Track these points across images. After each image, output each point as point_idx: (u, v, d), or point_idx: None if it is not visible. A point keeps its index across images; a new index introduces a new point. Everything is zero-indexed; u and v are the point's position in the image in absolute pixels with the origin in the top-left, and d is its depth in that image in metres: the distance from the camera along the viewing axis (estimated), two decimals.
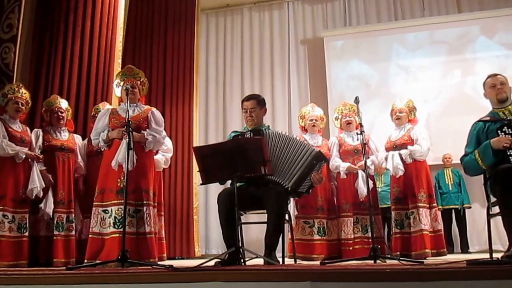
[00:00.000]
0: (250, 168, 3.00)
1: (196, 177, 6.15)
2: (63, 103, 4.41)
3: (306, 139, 4.65)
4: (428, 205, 4.37)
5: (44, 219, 4.03)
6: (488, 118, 3.02)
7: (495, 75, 3.14)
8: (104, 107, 4.39)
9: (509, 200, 2.59)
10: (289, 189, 3.27)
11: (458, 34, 7.08)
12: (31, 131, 4.18)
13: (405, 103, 4.64)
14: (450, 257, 4.32)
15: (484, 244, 5.88)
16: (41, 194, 3.96)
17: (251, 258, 3.35)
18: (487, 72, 7.29)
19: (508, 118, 2.90)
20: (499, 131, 2.78)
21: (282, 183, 3.25)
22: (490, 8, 7.08)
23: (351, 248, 4.37)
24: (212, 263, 2.77)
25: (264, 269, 2.20)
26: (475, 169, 2.94)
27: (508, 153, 2.70)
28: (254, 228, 5.53)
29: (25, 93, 4.18)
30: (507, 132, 2.74)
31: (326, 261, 3.23)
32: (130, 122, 3.23)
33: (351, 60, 7.41)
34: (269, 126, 3.64)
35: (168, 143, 4.69)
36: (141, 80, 3.81)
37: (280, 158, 3.27)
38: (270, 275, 1.97)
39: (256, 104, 3.47)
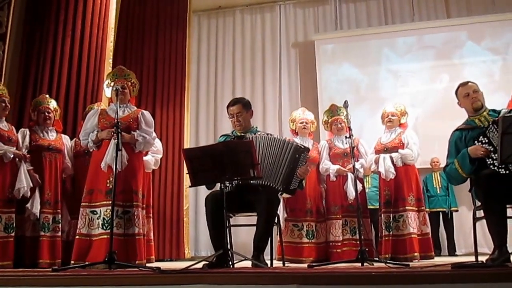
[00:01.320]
0: (239, 171, 3.00)
1: (186, 179, 6.13)
2: (52, 103, 4.37)
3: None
4: (417, 209, 4.42)
5: (31, 219, 3.98)
6: (464, 127, 3.06)
7: (466, 83, 3.15)
8: (99, 107, 4.37)
9: (491, 204, 2.63)
10: (281, 189, 3.27)
11: (446, 39, 7.16)
12: (17, 131, 4.13)
13: (397, 107, 4.69)
14: (437, 260, 4.36)
15: (471, 247, 5.91)
16: (28, 194, 3.91)
17: (240, 261, 3.35)
18: (475, 77, 7.41)
19: (484, 126, 2.93)
20: (476, 142, 2.82)
21: (272, 185, 3.25)
22: (477, 14, 7.19)
23: (339, 250, 4.39)
24: (200, 265, 2.77)
25: (251, 272, 2.20)
26: (457, 178, 2.99)
27: (488, 162, 2.74)
28: (243, 230, 5.53)
29: (3, 89, 4.09)
30: (483, 141, 2.78)
31: (313, 264, 3.24)
32: (120, 123, 3.21)
33: (342, 64, 7.46)
34: (257, 127, 3.64)
35: (158, 144, 4.68)
36: (132, 81, 3.81)
37: (266, 160, 3.25)
38: (257, 278, 1.97)
39: (242, 108, 3.45)
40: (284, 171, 3.26)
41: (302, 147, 3.38)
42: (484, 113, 3.04)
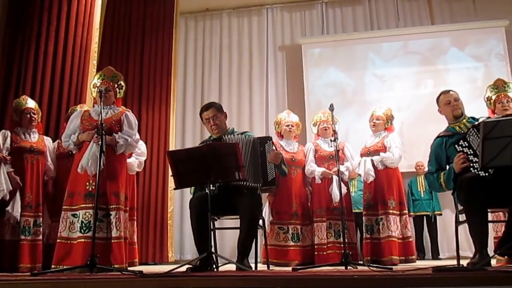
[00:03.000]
0: (224, 173, 2.99)
1: (171, 182, 6.09)
2: (32, 104, 4.28)
3: (282, 145, 4.69)
4: (398, 212, 4.45)
5: (10, 222, 3.91)
6: (445, 133, 3.14)
7: (448, 91, 3.24)
8: (82, 108, 4.32)
9: (473, 208, 2.66)
10: (261, 184, 3.25)
11: (431, 45, 7.26)
12: None
13: (384, 111, 4.74)
14: (420, 264, 4.40)
15: (455, 250, 5.97)
16: (8, 197, 3.84)
17: (224, 264, 3.33)
18: (459, 83, 7.50)
19: (464, 131, 2.99)
20: (456, 146, 2.87)
21: (253, 184, 3.23)
22: (461, 21, 7.30)
23: (324, 253, 4.40)
24: (183, 269, 2.74)
25: (235, 275, 2.19)
26: (439, 189, 3.07)
27: (473, 171, 2.77)
28: (229, 233, 5.51)
29: None
30: (463, 145, 2.82)
31: (297, 267, 3.24)
32: (103, 125, 3.18)
33: (328, 68, 7.50)
34: (233, 128, 3.63)
35: (142, 146, 4.64)
36: (119, 83, 3.76)
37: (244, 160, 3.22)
38: (240, 281, 1.96)
39: (216, 111, 3.46)
40: (258, 166, 3.25)
41: (264, 137, 3.37)
42: (464, 120, 3.13)
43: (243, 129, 3.71)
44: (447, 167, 3.03)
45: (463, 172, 2.79)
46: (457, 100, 3.17)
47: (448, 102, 3.17)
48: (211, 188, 2.99)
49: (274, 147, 3.40)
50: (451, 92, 3.21)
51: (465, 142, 2.81)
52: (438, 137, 3.17)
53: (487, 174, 2.68)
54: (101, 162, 3.04)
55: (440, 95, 3.26)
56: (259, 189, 3.34)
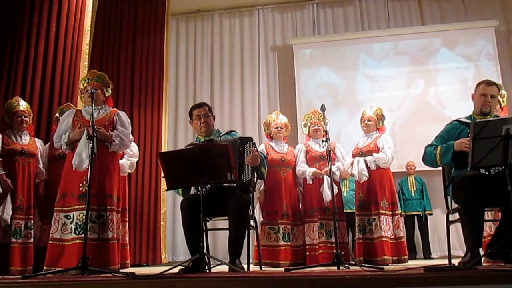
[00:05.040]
0: (216, 174, 2.98)
1: (164, 183, 6.05)
2: (25, 105, 4.26)
3: (271, 146, 4.71)
4: (390, 213, 4.47)
5: (1, 225, 3.88)
6: (465, 120, 3.06)
7: (491, 84, 3.09)
8: (69, 108, 4.29)
9: (470, 209, 2.66)
10: (237, 185, 3.21)
11: (421, 46, 7.31)
12: None
13: (374, 111, 4.75)
14: (411, 263, 4.42)
15: (446, 250, 6.02)
16: None
17: (216, 265, 3.33)
18: (449, 83, 7.52)
19: None
20: (469, 135, 2.85)
21: (231, 185, 3.21)
22: (451, 21, 7.36)
23: (315, 253, 4.41)
24: (175, 270, 2.74)
25: (227, 276, 2.18)
26: (432, 162, 3.03)
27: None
28: (221, 234, 5.51)
29: None
30: None
31: (290, 268, 3.24)
32: (95, 126, 3.17)
33: (320, 68, 7.53)
34: (218, 129, 3.63)
35: (134, 148, 4.62)
36: (104, 81, 3.74)
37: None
38: (233, 283, 1.96)
39: (208, 110, 3.50)
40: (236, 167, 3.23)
41: (245, 138, 3.36)
42: (489, 117, 3.01)
43: (236, 130, 3.71)
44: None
45: (460, 163, 2.76)
46: (493, 98, 3.06)
47: (484, 95, 3.05)
48: (201, 189, 2.97)
49: (255, 148, 3.37)
50: (493, 87, 3.07)
51: None
52: (457, 120, 3.10)
53: (487, 172, 2.69)
54: (92, 163, 3.03)
55: (482, 82, 3.12)
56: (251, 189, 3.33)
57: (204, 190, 3.02)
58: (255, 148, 3.39)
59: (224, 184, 3.16)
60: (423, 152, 3.11)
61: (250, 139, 3.39)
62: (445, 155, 2.90)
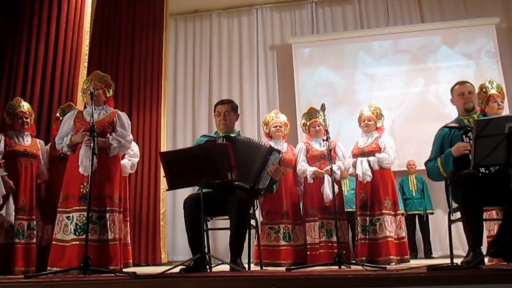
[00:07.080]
0: (217, 174, 2.98)
1: (163, 183, 6.06)
2: (27, 106, 4.25)
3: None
4: (393, 213, 4.49)
5: (4, 226, 3.87)
6: (453, 125, 3.08)
7: (464, 83, 3.16)
8: (70, 108, 4.29)
9: (469, 205, 2.65)
10: (248, 188, 3.23)
11: (421, 44, 7.29)
12: None
13: (373, 110, 4.74)
14: (413, 263, 4.42)
15: (447, 249, 5.97)
16: (1, 201, 3.79)
17: (217, 265, 3.33)
18: (449, 81, 7.53)
19: (471, 126, 2.96)
20: (463, 136, 2.85)
21: (243, 185, 3.22)
22: (451, 19, 7.35)
23: (316, 253, 4.41)
24: (177, 270, 2.74)
25: (228, 276, 2.18)
26: (437, 175, 3.02)
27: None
28: (222, 233, 5.50)
29: None
30: (470, 137, 2.79)
31: (291, 267, 3.24)
32: (95, 127, 3.18)
33: (319, 67, 7.52)
34: (239, 132, 3.65)
35: (134, 148, 4.61)
36: (106, 82, 3.75)
37: (243, 162, 3.22)
38: (234, 282, 1.96)
39: (230, 108, 3.50)
40: (253, 170, 3.25)
41: (274, 149, 3.38)
42: (475, 115, 3.07)
43: (235, 129, 3.71)
44: None
45: (463, 164, 2.76)
46: (471, 93, 3.09)
47: (462, 94, 3.09)
48: (201, 189, 2.97)
49: (278, 162, 3.38)
50: (467, 84, 3.13)
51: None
52: (445, 127, 3.11)
53: (487, 171, 2.68)
54: (93, 164, 3.03)
55: (455, 85, 3.18)
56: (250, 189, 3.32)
57: (209, 190, 3.02)
58: (279, 162, 3.38)
59: (235, 183, 3.12)
60: (426, 170, 3.11)
61: (279, 151, 3.41)
62: (446, 164, 2.90)
